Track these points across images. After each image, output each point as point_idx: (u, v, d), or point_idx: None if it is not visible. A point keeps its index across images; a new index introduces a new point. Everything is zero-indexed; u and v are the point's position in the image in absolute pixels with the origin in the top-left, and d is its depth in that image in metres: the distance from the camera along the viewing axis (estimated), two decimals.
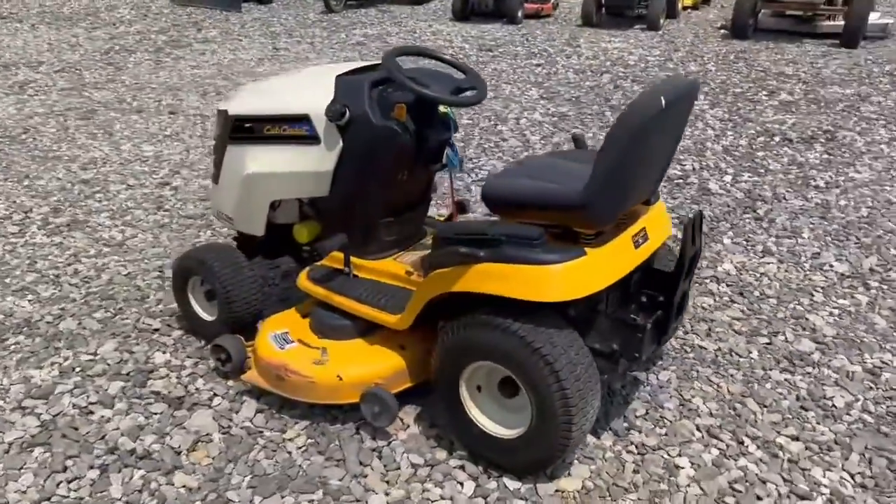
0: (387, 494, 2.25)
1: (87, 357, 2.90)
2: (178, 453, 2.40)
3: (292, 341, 2.61)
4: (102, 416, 2.56)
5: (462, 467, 2.34)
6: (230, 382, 2.72)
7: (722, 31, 9.86)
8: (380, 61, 2.57)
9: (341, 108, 2.49)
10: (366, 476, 2.31)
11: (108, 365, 2.84)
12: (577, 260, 2.11)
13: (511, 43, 9.18)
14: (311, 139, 2.58)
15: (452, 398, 2.33)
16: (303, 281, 2.73)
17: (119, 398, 2.66)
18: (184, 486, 2.27)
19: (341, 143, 2.54)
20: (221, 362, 2.74)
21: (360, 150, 2.52)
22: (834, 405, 2.65)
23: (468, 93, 2.59)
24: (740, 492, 2.27)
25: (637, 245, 2.28)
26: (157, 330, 3.07)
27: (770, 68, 7.73)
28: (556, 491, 2.24)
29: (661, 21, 9.88)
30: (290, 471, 2.33)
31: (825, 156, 5.13)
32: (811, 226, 4.07)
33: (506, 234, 2.14)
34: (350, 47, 8.81)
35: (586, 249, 2.14)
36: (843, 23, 8.78)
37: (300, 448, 2.42)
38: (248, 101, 2.77)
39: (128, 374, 2.79)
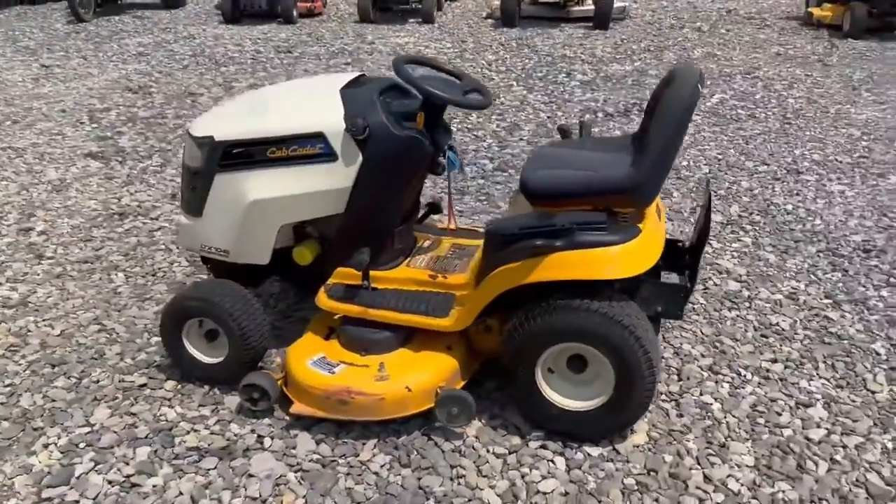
0: (492, 487, 2.34)
1: (84, 429, 2.59)
2: (265, 502, 2.29)
3: (336, 364, 2.57)
4: (155, 486, 2.34)
5: (544, 446, 2.50)
6: (267, 420, 2.61)
7: (489, 20, 10.58)
8: (353, 73, 2.60)
9: (363, 121, 2.49)
10: (463, 476, 2.38)
11: (116, 433, 2.57)
12: (639, 237, 2.35)
13: (304, 43, 9.11)
14: (327, 157, 2.54)
15: (529, 384, 2.47)
16: (325, 301, 2.67)
17: (157, 462, 2.44)
18: None
19: (360, 158, 2.52)
20: (254, 401, 2.61)
21: (382, 162, 2.53)
22: (783, 328, 3.18)
23: (474, 95, 2.70)
24: (763, 412, 2.68)
25: (659, 218, 2.58)
26: (144, 385, 2.81)
27: (552, 52, 8.51)
28: (634, 446, 2.49)
29: (435, 13, 10.36)
30: (391, 488, 2.33)
31: None
32: (674, 187, 4.69)
33: (576, 223, 2.32)
34: (133, 58, 8.18)
35: (639, 227, 2.40)
36: (592, 7, 9.90)
37: (384, 466, 2.42)
38: (241, 124, 2.63)
39: (147, 437, 2.54)
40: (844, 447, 2.52)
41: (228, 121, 2.68)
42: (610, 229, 2.33)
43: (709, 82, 7.02)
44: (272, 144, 2.56)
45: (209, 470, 2.40)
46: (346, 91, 2.61)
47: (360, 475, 2.38)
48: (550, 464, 2.43)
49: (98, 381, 2.83)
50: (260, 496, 2.30)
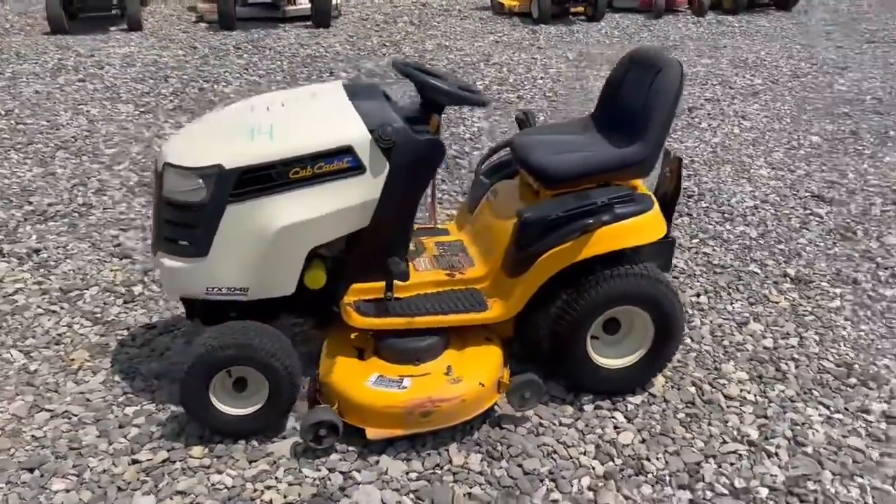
0: (584, 454, 2.54)
1: None
2: None
3: (399, 379, 2.54)
4: None
5: (598, 407, 2.74)
6: (334, 456, 2.49)
7: (202, 24, 10.07)
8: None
9: (392, 129, 2.48)
10: (554, 452, 2.54)
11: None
12: (656, 203, 2.71)
13: None
14: (355, 170, 2.47)
15: (582, 354, 2.69)
16: (360, 320, 2.60)
17: None
18: None
19: (388, 167, 2.50)
20: (319, 440, 2.47)
21: (407, 169, 2.52)
22: (684, 268, 3.78)
23: (470, 94, 2.76)
24: (720, 336, 3.22)
25: None
26: (166, 460, 2.48)
27: (297, 52, 8.45)
28: (649, 394, 2.84)
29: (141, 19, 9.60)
30: (503, 480, 2.41)
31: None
32: None
33: (611, 199, 2.59)
34: None
35: (648, 195, 2.75)
36: (308, 6, 9.98)
37: (490, 465, 2.46)
38: (254, 148, 2.43)
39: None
40: (796, 347, 3.14)
41: (234, 146, 2.44)
42: (634, 200, 2.63)
43: (461, 72, 7.59)
44: (295, 165, 2.42)
45: None
46: (360, 100, 2.55)
47: (467, 478, 2.40)
48: (613, 420, 2.67)
49: (106, 471, 2.41)
50: None
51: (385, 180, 2.50)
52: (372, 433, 2.45)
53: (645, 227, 2.62)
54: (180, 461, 2.46)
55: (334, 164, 2.44)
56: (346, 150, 2.44)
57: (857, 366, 3.01)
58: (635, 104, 2.74)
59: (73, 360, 2.98)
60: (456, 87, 2.60)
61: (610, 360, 2.74)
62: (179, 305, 3.04)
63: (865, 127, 6.07)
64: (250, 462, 2.46)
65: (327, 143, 2.43)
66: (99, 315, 3.26)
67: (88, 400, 2.76)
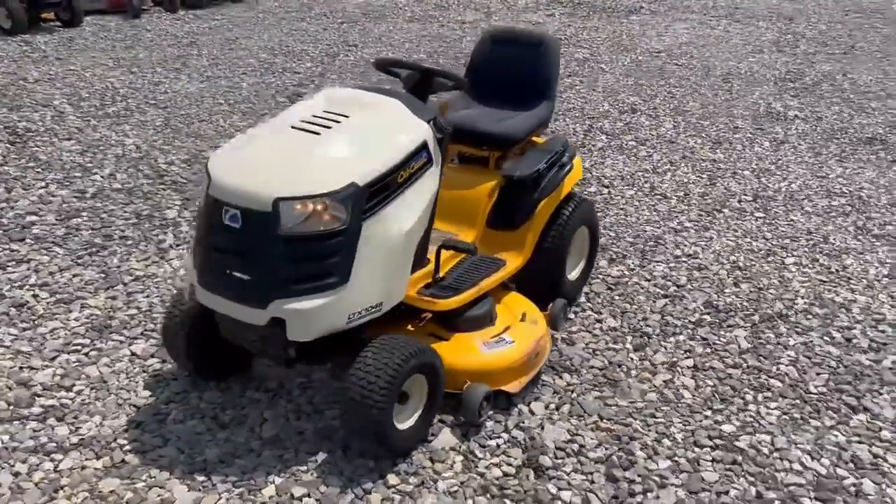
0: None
1: None
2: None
3: (498, 338, 2.92)
4: None
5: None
6: (506, 425, 2.78)
7: None
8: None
9: (441, 120, 2.79)
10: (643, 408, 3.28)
11: None
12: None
13: None
14: (428, 164, 2.69)
15: (561, 272, 3.41)
16: (442, 303, 2.81)
17: None
18: None
19: (440, 155, 2.82)
20: (481, 413, 2.72)
21: (444, 153, 2.85)
22: None
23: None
24: None
25: None
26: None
27: None
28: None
29: None
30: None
31: None
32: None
33: (561, 148, 3.37)
34: None
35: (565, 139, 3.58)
36: None
37: (549, 408, 3.08)
38: (370, 161, 2.47)
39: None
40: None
41: (355, 162, 2.43)
42: (568, 147, 3.43)
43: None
44: (400, 169, 2.55)
45: None
46: (401, 93, 2.74)
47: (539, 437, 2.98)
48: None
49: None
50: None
51: (440, 168, 2.75)
52: (514, 387, 2.77)
53: (579, 166, 3.42)
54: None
55: (419, 161, 2.61)
56: (423, 146, 2.63)
57: None
58: (523, 74, 3.44)
59: None
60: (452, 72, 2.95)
61: (572, 274, 3.49)
62: None
63: None
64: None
65: (413, 142, 2.59)
66: None
67: None
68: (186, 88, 6.97)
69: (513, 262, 3.13)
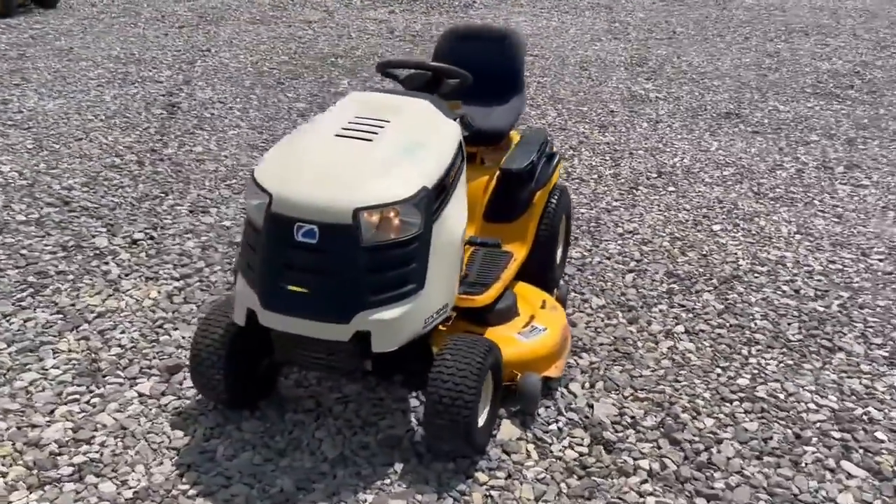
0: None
1: None
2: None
3: (530, 327, 3.04)
4: None
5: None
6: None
7: None
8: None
9: (467, 117, 2.87)
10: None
11: None
12: None
13: None
14: (463, 161, 2.79)
15: (554, 257, 3.59)
16: (479, 299, 2.87)
17: None
18: None
19: (465, 152, 2.89)
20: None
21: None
22: None
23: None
24: None
25: None
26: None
27: None
28: None
29: None
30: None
31: None
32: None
33: (546, 140, 3.53)
34: None
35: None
36: None
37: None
38: (430, 164, 2.49)
39: None
40: None
41: (419, 166, 2.44)
42: (549, 139, 3.60)
43: None
44: (451, 169, 2.60)
45: None
46: (427, 95, 2.77)
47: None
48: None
49: None
50: None
51: (466, 164, 2.81)
52: (556, 371, 2.89)
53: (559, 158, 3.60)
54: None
55: (459, 159, 2.66)
56: (459, 145, 2.68)
57: None
58: (492, 68, 3.54)
59: None
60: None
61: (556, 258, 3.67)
62: None
63: None
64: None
65: (455, 141, 2.63)
66: None
67: None
68: (42, 106, 6.32)
69: (518, 252, 3.22)
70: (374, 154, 2.40)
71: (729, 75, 8.21)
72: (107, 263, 3.78)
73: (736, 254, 4.17)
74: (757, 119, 6.72)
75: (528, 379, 2.72)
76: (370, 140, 2.45)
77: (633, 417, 2.80)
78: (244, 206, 2.46)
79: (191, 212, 4.44)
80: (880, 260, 4.14)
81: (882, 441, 2.73)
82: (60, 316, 3.32)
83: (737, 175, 5.38)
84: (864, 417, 2.85)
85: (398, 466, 2.53)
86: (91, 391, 2.86)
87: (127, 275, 3.70)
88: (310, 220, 2.24)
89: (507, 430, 2.71)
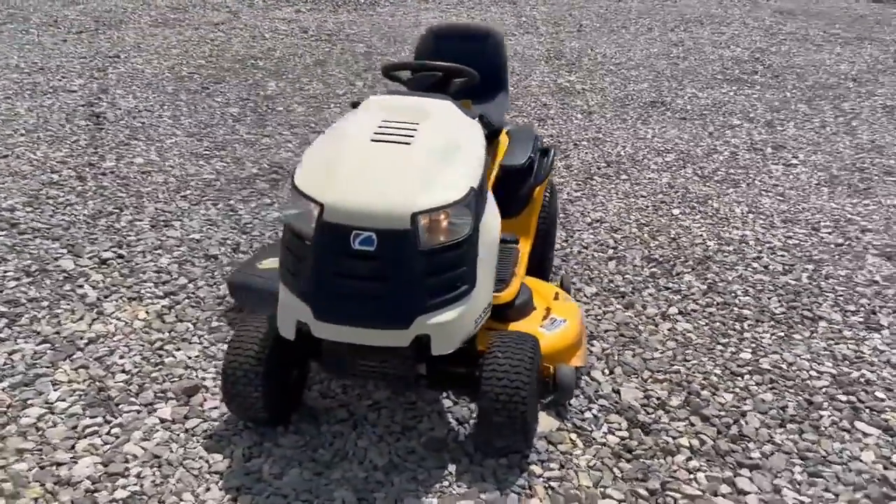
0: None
1: None
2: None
3: (550, 318, 3.10)
4: None
5: None
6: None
7: None
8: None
9: (486, 117, 2.91)
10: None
11: None
12: None
13: None
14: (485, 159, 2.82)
15: (551, 246, 3.67)
16: (503, 295, 2.94)
17: None
18: None
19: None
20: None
21: None
22: None
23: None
24: None
25: None
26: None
27: None
28: None
29: None
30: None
31: None
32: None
33: (537, 135, 3.60)
34: None
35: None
36: None
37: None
38: (471, 165, 2.51)
39: None
40: None
41: (463, 168, 2.45)
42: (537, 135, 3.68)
43: None
44: (486, 168, 2.63)
45: None
46: (443, 97, 2.79)
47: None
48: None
49: None
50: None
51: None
52: (581, 360, 2.97)
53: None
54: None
55: (487, 158, 2.69)
56: (484, 144, 2.71)
57: None
58: (476, 66, 3.57)
59: None
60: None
61: None
62: None
63: None
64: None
65: (482, 139, 2.66)
66: None
67: None
68: None
69: (523, 247, 3.27)
70: (417, 158, 2.38)
71: (643, 65, 8.56)
72: (80, 286, 3.56)
73: (701, 235, 4.38)
74: (680, 106, 7.04)
75: (564, 370, 2.76)
76: (408, 144, 2.42)
77: (659, 399, 2.91)
78: (283, 216, 2.39)
79: (153, 227, 4.23)
80: (829, 233, 4.45)
81: (883, 399, 2.95)
82: (48, 345, 3.11)
83: (679, 161, 5.63)
84: (862, 380, 3.07)
85: (451, 468, 2.52)
86: (108, 421, 2.70)
87: (106, 296, 3.49)
88: (367, 228, 2.20)
89: (546, 422, 2.75)
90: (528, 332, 2.62)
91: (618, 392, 2.94)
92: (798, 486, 2.51)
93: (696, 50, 9.34)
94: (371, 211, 2.21)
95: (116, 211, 4.40)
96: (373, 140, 2.44)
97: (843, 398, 2.96)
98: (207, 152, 5.47)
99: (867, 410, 2.89)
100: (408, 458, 2.57)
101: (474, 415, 2.72)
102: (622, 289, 3.74)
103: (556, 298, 3.14)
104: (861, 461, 2.63)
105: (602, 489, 2.46)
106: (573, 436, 2.70)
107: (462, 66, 2.95)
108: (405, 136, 2.46)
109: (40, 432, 2.63)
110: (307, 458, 2.56)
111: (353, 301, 2.26)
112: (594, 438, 2.69)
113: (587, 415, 2.82)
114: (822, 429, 2.79)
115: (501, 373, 2.38)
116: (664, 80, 7.95)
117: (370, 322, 2.26)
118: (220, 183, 4.91)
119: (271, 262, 3.28)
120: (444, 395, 2.87)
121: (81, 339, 3.16)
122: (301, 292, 2.31)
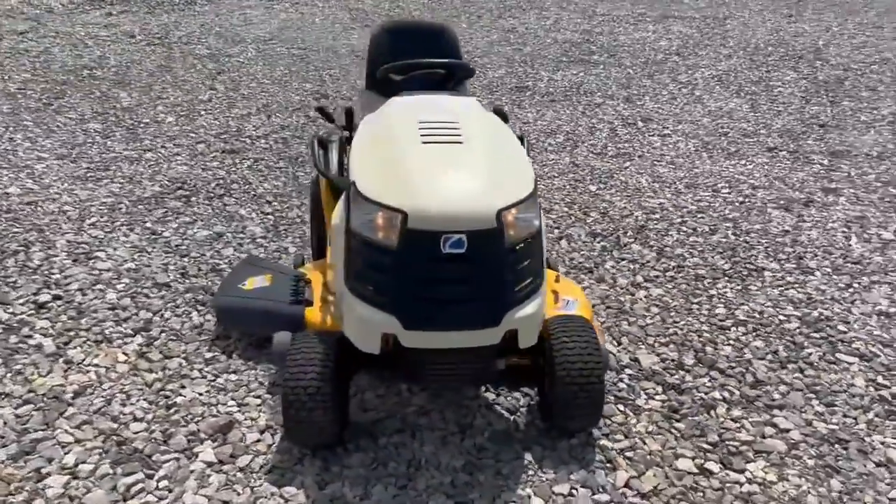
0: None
1: None
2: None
3: (559, 301, 3.21)
4: None
5: None
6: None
7: None
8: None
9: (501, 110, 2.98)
10: None
11: None
12: None
13: None
14: None
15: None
16: None
17: None
18: None
19: None
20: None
21: None
22: None
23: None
24: None
25: None
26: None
27: None
28: None
29: None
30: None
31: None
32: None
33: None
34: None
35: None
36: None
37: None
38: (521, 159, 2.56)
39: None
40: None
41: (518, 163, 2.52)
42: None
43: None
44: None
45: None
46: (453, 94, 2.83)
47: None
48: None
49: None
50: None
51: None
52: (601, 335, 3.11)
53: None
54: None
55: None
56: None
57: None
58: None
59: None
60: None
61: None
62: None
63: None
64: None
65: (509, 129, 2.72)
66: None
67: None
68: None
69: None
70: (477, 156, 2.37)
71: (491, 52, 8.85)
72: (29, 336, 3.13)
73: (626, 207, 4.68)
74: (544, 89, 7.39)
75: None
76: (461, 143, 2.41)
77: (674, 360, 3.12)
78: (356, 227, 2.29)
79: (75, 261, 3.80)
80: (728, 193, 4.93)
81: (846, 331, 3.37)
82: (30, 406, 2.72)
83: (570, 141, 5.94)
84: (822, 317, 3.48)
85: (528, 456, 2.56)
86: (150, 475, 2.43)
87: (66, 343, 3.10)
88: (456, 231, 2.17)
89: None
90: (576, 314, 2.70)
91: (636, 360, 3.11)
92: (823, 417, 2.81)
93: (531, 35, 9.79)
94: (458, 213, 2.18)
95: (22, 248, 3.89)
96: (424, 142, 2.40)
97: (817, 335, 3.33)
98: (91, 174, 4.95)
99: (840, 343, 3.28)
100: (482, 455, 2.57)
101: (529, 402, 2.76)
102: (586, 265, 3.92)
103: (557, 281, 3.24)
104: (856, 386, 3.00)
105: (671, 450, 2.61)
106: (619, 406, 2.83)
107: (460, 62, 2.96)
108: (452, 135, 2.44)
109: (76, 501, 2.32)
110: (383, 473, 2.47)
111: (444, 306, 2.22)
112: (639, 406, 2.84)
113: (621, 385, 2.95)
114: (815, 364, 3.13)
115: (574, 356, 2.45)
116: (517, 65, 8.28)
117: (463, 324, 2.24)
118: (124, 206, 4.48)
119: (259, 281, 3.09)
120: (485, 388, 2.88)
121: (65, 393, 2.80)
122: (386, 304, 2.23)
